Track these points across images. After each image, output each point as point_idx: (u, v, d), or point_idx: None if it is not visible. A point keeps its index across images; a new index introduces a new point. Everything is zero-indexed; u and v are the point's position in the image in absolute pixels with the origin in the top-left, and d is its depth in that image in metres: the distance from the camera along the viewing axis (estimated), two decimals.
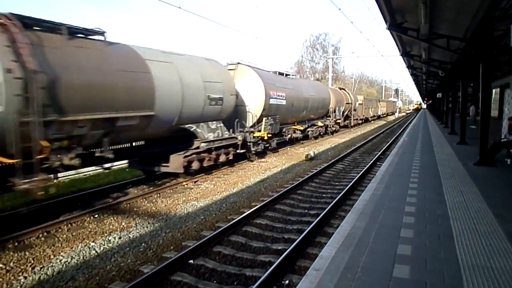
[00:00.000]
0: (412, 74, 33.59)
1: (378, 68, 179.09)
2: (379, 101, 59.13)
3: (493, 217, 5.68)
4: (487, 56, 10.15)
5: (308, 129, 23.65)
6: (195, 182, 11.96)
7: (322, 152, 19.53)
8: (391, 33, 12.61)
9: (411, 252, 4.39)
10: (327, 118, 27.09)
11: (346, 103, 31.97)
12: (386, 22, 11.28)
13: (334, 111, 27.87)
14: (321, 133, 26.07)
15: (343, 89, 34.75)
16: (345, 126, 33.90)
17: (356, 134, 31.88)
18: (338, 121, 29.61)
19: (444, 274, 3.86)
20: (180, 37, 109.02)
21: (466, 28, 11.11)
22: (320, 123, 25.28)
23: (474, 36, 10.97)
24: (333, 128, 28.49)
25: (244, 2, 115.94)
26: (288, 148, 20.50)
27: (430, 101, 66.07)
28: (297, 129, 21.39)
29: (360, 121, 40.97)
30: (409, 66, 25.67)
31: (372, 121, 50.19)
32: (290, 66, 74.39)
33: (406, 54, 18.08)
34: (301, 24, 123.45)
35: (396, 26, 11.46)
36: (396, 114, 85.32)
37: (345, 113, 31.92)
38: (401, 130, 33.13)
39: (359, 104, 39.19)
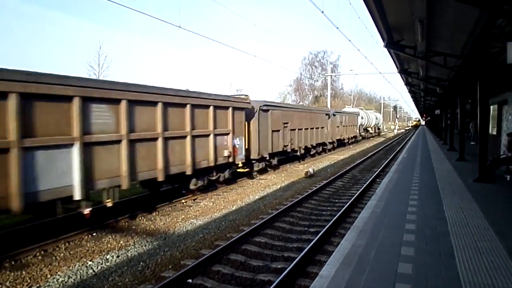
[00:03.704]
0: (410, 91, 33.86)
1: (377, 85, 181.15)
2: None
3: (494, 234, 5.63)
4: (484, 73, 10.24)
5: None
6: (194, 199, 11.90)
7: (321, 169, 19.50)
8: (388, 51, 12.79)
9: (412, 271, 4.34)
10: None
11: None
12: (383, 40, 11.46)
13: None
14: None
15: None
16: None
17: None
18: None
19: None
20: (180, 55, 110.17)
21: (463, 45, 11.26)
22: None
23: (470, 53, 11.10)
24: None
25: (243, 21, 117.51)
26: (288, 165, 20.48)
27: (429, 118, 66.31)
28: None
29: None
30: (407, 83, 25.88)
31: None
32: (289, 84, 75.09)
33: (403, 71, 18.30)
34: (300, 42, 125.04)
35: (393, 44, 11.62)
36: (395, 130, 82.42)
37: None
38: (400, 147, 33.14)
39: None
